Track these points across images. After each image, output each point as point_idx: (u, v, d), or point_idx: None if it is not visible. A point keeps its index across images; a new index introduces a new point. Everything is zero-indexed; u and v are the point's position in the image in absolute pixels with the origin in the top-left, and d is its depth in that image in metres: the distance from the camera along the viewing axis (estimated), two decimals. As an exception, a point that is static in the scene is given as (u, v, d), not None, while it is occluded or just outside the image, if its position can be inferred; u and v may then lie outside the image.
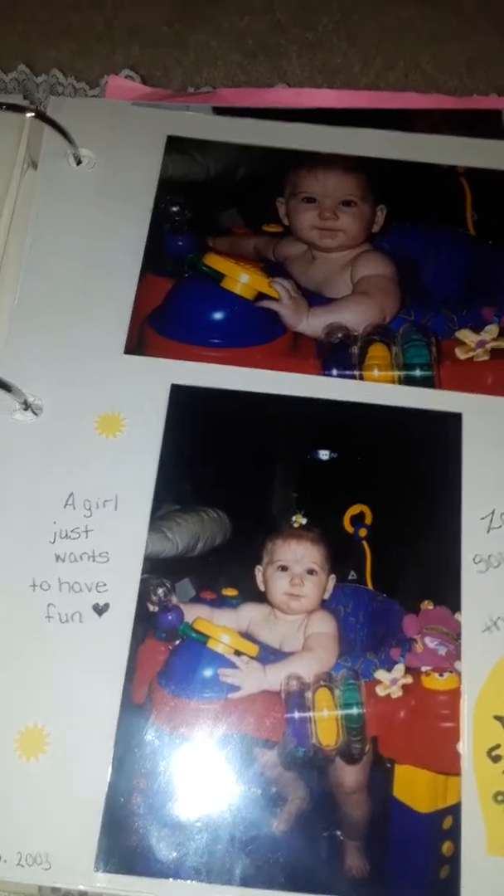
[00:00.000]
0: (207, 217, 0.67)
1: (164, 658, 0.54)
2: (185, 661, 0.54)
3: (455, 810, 0.51)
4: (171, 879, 0.50)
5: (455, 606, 0.55)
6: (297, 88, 0.75)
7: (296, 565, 0.57)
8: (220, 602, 0.56)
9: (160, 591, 0.55)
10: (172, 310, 0.63)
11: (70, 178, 0.68)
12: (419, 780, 0.52)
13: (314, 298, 0.64)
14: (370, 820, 0.51)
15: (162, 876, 0.50)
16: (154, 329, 0.63)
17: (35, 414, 0.59)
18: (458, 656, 0.54)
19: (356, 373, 0.61)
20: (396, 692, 0.54)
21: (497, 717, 0.53)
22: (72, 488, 0.58)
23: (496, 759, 0.52)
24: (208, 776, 0.52)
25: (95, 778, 0.51)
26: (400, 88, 0.76)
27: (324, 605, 0.56)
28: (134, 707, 0.53)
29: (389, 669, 0.54)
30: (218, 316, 0.63)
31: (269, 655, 0.55)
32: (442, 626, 0.55)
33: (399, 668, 0.54)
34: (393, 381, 0.61)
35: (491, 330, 0.62)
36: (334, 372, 0.61)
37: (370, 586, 0.56)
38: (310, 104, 0.72)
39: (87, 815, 0.50)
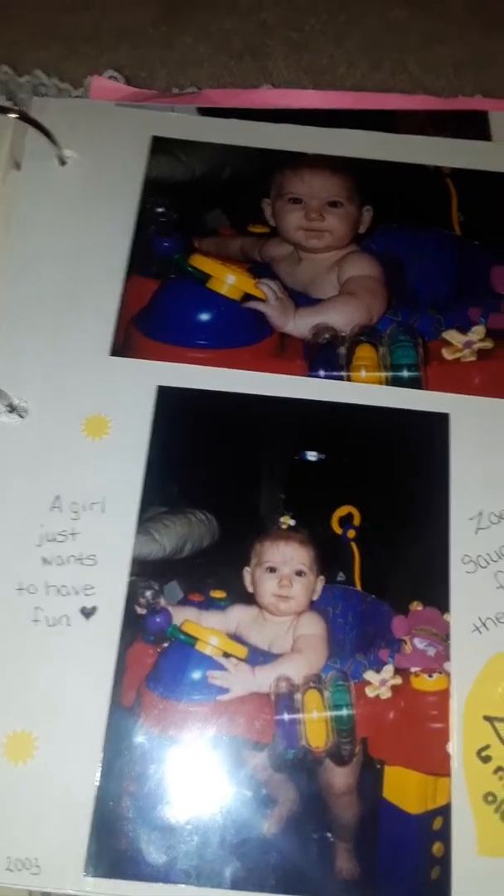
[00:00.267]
0: (193, 218, 0.67)
1: (152, 661, 0.54)
2: (174, 663, 0.54)
3: (445, 811, 0.51)
4: (161, 883, 0.49)
5: (444, 607, 0.55)
6: (282, 89, 0.75)
7: (284, 567, 0.56)
8: (209, 604, 0.56)
9: (148, 593, 0.55)
10: (158, 311, 0.63)
11: (54, 180, 0.67)
12: (409, 781, 0.52)
13: (301, 299, 0.64)
14: (360, 821, 0.51)
15: (152, 880, 0.50)
16: (140, 330, 0.62)
17: (21, 416, 0.59)
18: (447, 657, 0.54)
19: (343, 374, 0.61)
20: (386, 693, 0.54)
21: (486, 718, 0.53)
22: (58, 491, 0.57)
23: (486, 759, 0.52)
24: (198, 779, 0.52)
25: (84, 782, 0.51)
26: (386, 89, 0.76)
27: (313, 606, 0.56)
28: (122, 710, 0.52)
29: (378, 670, 0.54)
30: (204, 317, 0.63)
31: (258, 657, 0.55)
32: (431, 626, 0.55)
33: (388, 669, 0.54)
34: (380, 382, 0.61)
35: (477, 330, 0.62)
36: (321, 373, 0.61)
37: (359, 587, 0.56)
38: (295, 105, 0.72)
39: (77, 819, 0.50)
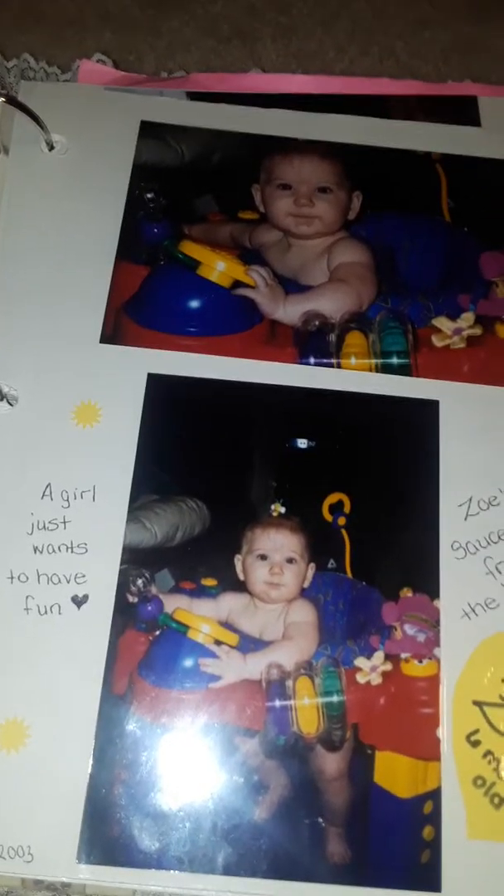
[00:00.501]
0: (182, 204, 0.67)
1: (144, 649, 0.54)
2: (166, 651, 0.54)
3: (435, 795, 0.51)
4: (153, 870, 0.50)
5: (434, 593, 0.56)
6: (272, 74, 0.75)
7: (275, 554, 0.57)
8: (200, 592, 0.56)
9: (139, 581, 0.55)
10: (148, 298, 0.63)
11: (42, 164, 0.67)
12: (399, 766, 0.52)
13: (290, 286, 0.64)
14: (351, 806, 0.52)
15: (145, 866, 0.50)
16: (130, 318, 0.62)
17: (10, 404, 0.59)
18: (437, 643, 0.54)
19: (333, 361, 0.61)
20: (376, 679, 0.54)
21: (476, 703, 0.53)
22: (49, 479, 0.57)
23: (475, 743, 0.52)
24: (190, 766, 0.52)
25: (77, 770, 0.51)
26: (374, 74, 0.76)
27: (303, 593, 0.56)
28: (114, 698, 0.52)
29: (369, 657, 0.54)
30: (194, 304, 0.63)
31: (249, 644, 0.55)
32: (421, 612, 0.55)
33: (379, 656, 0.54)
34: (370, 369, 0.61)
35: (467, 317, 0.63)
36: (311, 360, 0.61)
37: (349, 574, 0.57)
38: (285, 90, 0.72)
39: (69, 806, 0.50)
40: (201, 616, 0.55)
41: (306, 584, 0.57)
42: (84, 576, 0.55)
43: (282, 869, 0.50)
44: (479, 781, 0.52)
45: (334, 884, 0.50)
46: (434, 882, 0.50)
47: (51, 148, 0.67)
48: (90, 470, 0.57)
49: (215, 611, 0.56)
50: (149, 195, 0.66)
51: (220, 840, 0.50)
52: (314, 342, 0.62)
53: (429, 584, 0.56)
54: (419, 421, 0.60)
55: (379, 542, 0.57)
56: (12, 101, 0.65)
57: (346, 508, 0.58)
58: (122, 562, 0.55)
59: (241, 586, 0.56)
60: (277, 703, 0.53)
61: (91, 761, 0.51)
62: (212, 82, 0.72)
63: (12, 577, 0.55)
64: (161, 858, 0.50)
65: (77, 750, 0.51)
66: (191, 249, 0.63)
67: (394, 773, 0.52)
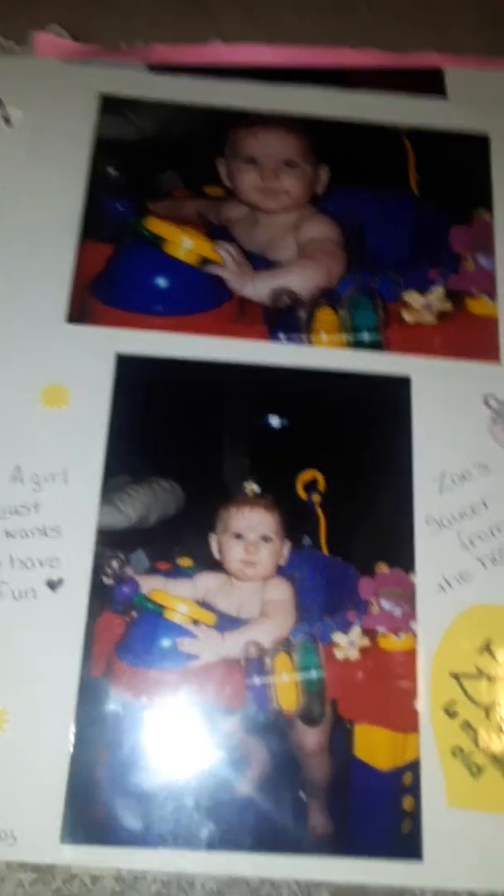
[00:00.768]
0: (146, 179, 0.66)
1: (121, 630, 0.54)
2: (143, 632, 0.54)
3: (414, 766, 0.52)
4: (138, 847, 0.50)
5: (409, 567, 0.56)
6: (233, 44, 0.73)
7: (250, 533, 0.57)
8: (176, 572, 0.56)
9: (114, 563, 0.55)
10: (114, 276, 0.62)
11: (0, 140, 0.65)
12: (379, 739, 0.53)
13: (259, 262, 0.63)
14: (332, 779, 0.52)
15: (129, 845, 0.50)
16: (97, 297, 0.61)
17: (-24, 387, 0.58)
18: (413, 616, 0.55)
19: (304, 337, 0.61)
20: (354, 654, 0.54)
21: (452, 675, 0.54)
22: (18, 462, 0.56)
23: (453, 714, 0.53)
24: (171, 745, 0.52)
25: (57, 752, 0.51)
26: (336, 40, 0.74)
27: (280, 571, 0.57)
28: (93, 680, 0.52)
29: (346, 632, 0.55)
30: (161, 282, 0.62)
31: (226, 623, 0.55)
32: (397, 587, 0.56)
33: (356, 631, 0.55)
34: (341, 345, 0.61)
35: (437, 292, 0.63)
36: (282, 337, 0.61)
37: (325, 551, 0.57)
38: (246, 60, 0.71)
39: (51, 789, 0.50)
40: (177, 596, 0.55)
41: (282, 562, 0.57)
42: (58, 559, 0.54)
43: (265, 842, 0.51)
44: (458, 751, 0.52)
45: (317, 855, 0.51)
46: (415, 850, 0.50)
47: (8, 122, 0.66)
48: (61, 452, 0.57)
49: (192, 590, 0.56)
50: (111, 171, 0.65)
51: (204, 816, 0.51)
52: (284, 319, 0.61)
53: (404, 559, 0.56)
54: (391, 397, 0.60)
55: (353, 518, 0.58)
56: (-32, 74, 0.63)
57: (321, 486, 0.58)
58: (97, 544, 0.55)
59: (217, 565, 0.56)
60: (256, 680, 0.53)
61: (72, 743, 0.51)
62: (172, 53, 0.71)
63: (-14, 563, 0.54)
64: (145, 836, 0.50)
65: (57, 733, 0.51)
66: (156, 226, 0.62)
67: (373, 745, 0.53)
